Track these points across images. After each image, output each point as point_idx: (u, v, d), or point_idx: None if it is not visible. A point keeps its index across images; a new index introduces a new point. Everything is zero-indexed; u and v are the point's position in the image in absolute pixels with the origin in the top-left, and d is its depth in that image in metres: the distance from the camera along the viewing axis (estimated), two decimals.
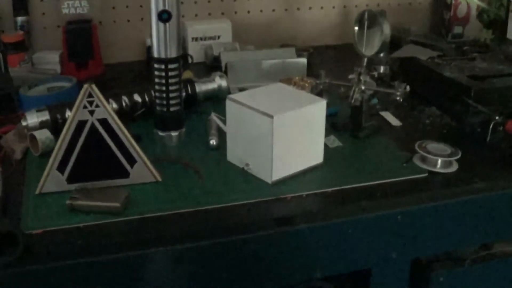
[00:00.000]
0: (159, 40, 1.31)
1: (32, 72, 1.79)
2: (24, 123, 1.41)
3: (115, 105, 1.50)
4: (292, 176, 1.25)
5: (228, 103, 1.26)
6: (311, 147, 1.27)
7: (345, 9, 2.26)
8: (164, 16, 1.29)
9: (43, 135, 1.34)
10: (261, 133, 1.20)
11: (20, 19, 1.89)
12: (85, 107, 1.18)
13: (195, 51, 2.02)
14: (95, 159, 1.20)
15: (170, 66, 1.34)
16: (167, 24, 1.30)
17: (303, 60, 1.79)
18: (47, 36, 1.97)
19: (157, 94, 1.37)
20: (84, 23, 1.87)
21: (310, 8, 2.22)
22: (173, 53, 1.33)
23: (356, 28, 1.44)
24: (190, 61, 1.93)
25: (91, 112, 1.18)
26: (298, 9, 2.21)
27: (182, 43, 1.99)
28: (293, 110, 1.21)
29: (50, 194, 1.19)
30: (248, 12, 2.15)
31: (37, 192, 1.19)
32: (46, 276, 1.05)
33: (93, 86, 1.18)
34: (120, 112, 1.48)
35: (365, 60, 1.45)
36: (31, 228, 1.09)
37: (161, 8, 1.28)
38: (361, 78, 1.43)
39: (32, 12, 1.94)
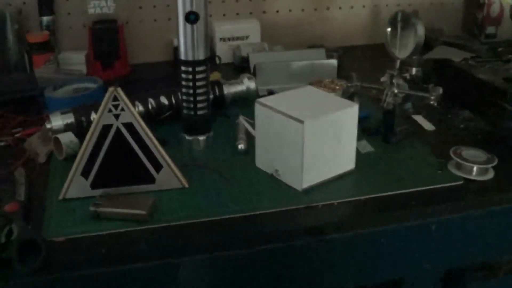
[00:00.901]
0: (186, 42, 1.28)
1: (58, 73, 1.76)
2: (48, 126, 1.39)
3: (141, 108, 1.46)
4: (323, 183, 1.21)
5: (257, 107, 1.22)
6: (342, 153, 1.23)
7: (375, 8, 2.21)
8: (191, 18, 1.25)
9: (67, 138, 1.31)
10: (291, 138, 1.15)
11: (45, 18, 1.87)
12: (110, 111, 1.15)
13: (223, 52, 1.99)
14: (120, 164, 1.17)
15: (198, 68, 1.30)
16: (195, 25, 1.26)
17: (333, 62, 1.75)
18: (72, 36, 1.94)
19: (184, 97, 1.33)
20: (110, 23, 1.84)
21: (340, 7, 2.17)
22: (200, 55, 1.29)
23: (389, 29, 1.40)
24: (218, 62, 1.89)
25: (116, 116, 1.15)
26: (328, 8, 2.16)
27: (210, 44, 1.99)
28: (324, 115, 1.16)
29: (73, 200, 1.16)
30: (277, 11, 2.11)
31: (60, 197, 1.17)
32: (69, 286, 1.01)
33: (119, 89, 1.15)
34: (146, 115, 1.45)
35: (398, 62, 1.40)
36: (53, 235, 1.06)
37: (188, 9, 1.25)
38: (394, 81, 1.39)
39: (57, 11, 1.91)
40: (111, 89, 1.14)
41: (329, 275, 1.15)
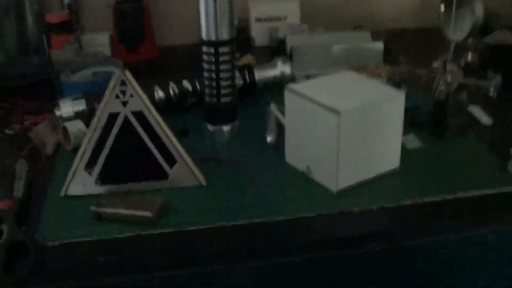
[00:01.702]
0: (208, 20, 1.13)
1: (78, 55, 1.62)
2: (57, 113, 1.25)
3: (161, 94, 1.32)
4: (361, 184, 1.05)
5: (287, 94, 1.07)
6: (385, 149, 1.06)
7: None
8: None
9: (75, 127, 1.18)
10: (326, 131, 1.00)
11: None
12: (117, 97, 1.00)
13: (259, 34, 1.82)
14: (128, 157, 1.03)
15: (221, 50, 1.15)
16: (217, 0, 1.11)
17: (379, 45, 1.58)
18: (97, 16, 1.80)
19: (206, 82, 1.19)
20: (135, 2, 1.70)
21: None
22: (224, 34, 1.14)
23: (442, 7, 1.22)
24: (252, 44, 1.73)
25: (124, 104, 1.01)
26: None
27: (245, 25, 1.84)
28: (364, 104, 1.00)
29: (76, 197, 1.03)
30: None
31: (61, 194, 1.03)
32: None
33: (127, 72, 1.00)
34: (168, 102, 1.31)
35: (453, 45, 1.23)
36: (49, 239, 0.93)
37: None
38: (447, 67, 1.21)
39: None
40: (118, 72, 1.00)
41: None
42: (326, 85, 1.08)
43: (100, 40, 1.74)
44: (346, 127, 0.98)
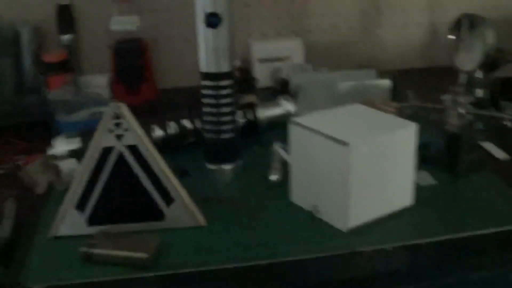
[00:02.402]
0: (207, 51, 1.07)
1: (76, 96, 1.57)
2: (51, 152, 1.19)
3: (160, 132, 1.25)
4: (373, 223, 0.97)
5: (292, 128, 1.01)
6: (398, 184, 0.99)
7: (432, 27, 1.97)
8: (212, 21, 1.04)
9: (68, 166, 1.11)
10: (334, 166, 0.93)
11: (65, 37, 1.68)
12: (111, 130, 0.94)
13: (262, 75, 1.76)
14: (122, 196, 0.96)
15: (222, 83, 1.09)
16: (217, 30, 1.05)
17: (386, 83, 1.52)
18: (96, 57, 1.75)
19: (206, 118, 1.12)
20: (135, 41, 1.65)
21: (392, 26, 1.94)
22: (224, 66, 1.08)
23: (452, 37, 1.16)
24: (254, 84, 1.67)
25: (119, 137, 0.94)
26: (379, 27, 1.93)
27: (246, 65, 1.78)
28: (375, 136, 0.94)
29: (66, 238, 0.96)
30: (322, 30, 1.89)
31: (50, 235, 0.96)
32: None
33: (122, 105, 0.94)
34: (166, 141, 1.25)
35: (463, 77, 1.17)
36: (33, 281, 0.86)
37: (208, 10, 1.04)
38: (459, 99, 1.15)
39: (80, 30, 1.73)
40: (112, 104, 0.94)
41: None
42: (333, 117, 1.02)
43: (98, 82, 1.68)
44: (356, 160, 0.91)
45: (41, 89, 1.60)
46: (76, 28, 1.72)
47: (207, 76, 1.09)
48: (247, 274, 0.87)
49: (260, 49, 1.78)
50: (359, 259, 0.90)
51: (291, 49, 1.79)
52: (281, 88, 1.67)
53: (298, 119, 1.00)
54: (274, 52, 1.78)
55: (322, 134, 0.94)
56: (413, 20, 1.95)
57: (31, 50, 1.65)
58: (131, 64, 1.65)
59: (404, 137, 0.97)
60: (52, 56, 1.59)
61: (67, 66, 1.61)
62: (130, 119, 0.94)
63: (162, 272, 0.87)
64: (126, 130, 0.94)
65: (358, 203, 0.94)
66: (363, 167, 0.93)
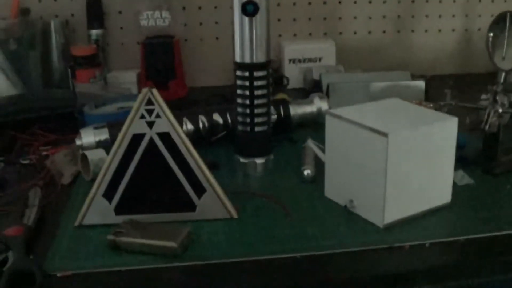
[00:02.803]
0: (243, 40, 1.05)
1: (103, 90, 1.55)
2: (78, 142, 1.17)
3: (190, 126, 1.23)
4: (410, 219, 0.93)
5: (328, 119, 0.97)
6: (436, 180, 0.95)
7: (466, 33, 1.93)
8: (249, 9, 1.02)
9: (96, 155, 1.09)
10: (371, 158, 0.89)
11: (94, 32, 1.67)
12: (142, 117, 0.91)
13: (293, 76, 1.73)
14: (152, 185, 0.93)
15: (256, 73, 1.06)
16: (253, 19, 1.02)
17: (421, 84, 1.48)
18: (125, 53, 1.74)
19: (239, 109, 1.09)
20: (165, 38, 1.63)
21: (426, 30, 1.91)
22: (260, 57, 1.05)
23: (491, 34, 1.13)
24: (285, 82, 1.64)
25: (150, 124, 0.91)
26: (413, 31, 1.90)
27: (277, 65, 1.75)
28: (415, 128, 0.90)
29: (92, 227, 0.93)
30: (355, 33, 1.87)
31: (76, 223, 0.93)
32: None
33: (154, 90, 0.91)
34: (197, 135, 1.22)
35: (503, 75, 1.13)
36: (57, 269, 0.82)
37: None
38: (498, 98, 1.11)
39: (109, 26, 1.72)
40: (144, 90, 0.91)
41: None
42: (371, 110, 0.98)
43: (127, 78, 1.67)
44: (395, 153, 0.87)
45: (69, 82, 1.58)
46: (105, 23, 1.70)
47: (241, 66, 1.06)
48: (280, 267, 0.83)
49: (292, 49, 1.75)
50: (396, 255, 0.86)
51: (323, 50, 1.76)
52: (312, 89, 1.63)
53: (335, 111, 0.97)
54: (306, 53, 1.75)
55: (359, 125, 0.91)
56: (446, 26, 1.92)
57: (60, 44, 1.64)
58: (161, 61, 1.63)
59: (445, 131, 0.93)
60: (81, 50, 1.58)
61: (96, 60, 1.60)
62: (162, 105, 0.91)
63: (191, 262, 0.84)
64: (158, 116, 0.91)
65: (395, 198, 0.90)
66: (401, 160, 0.89)
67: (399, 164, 0.89)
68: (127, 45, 1.74)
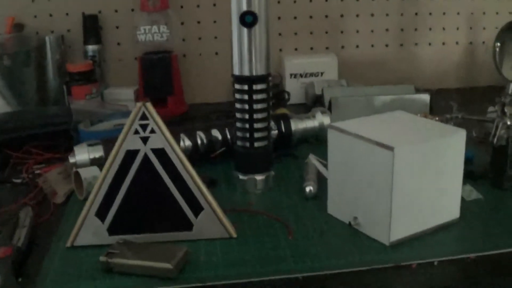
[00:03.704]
0: (241, 52, 1.01)
1: (100, 107, 1.51)
2: (72, 160, 1.13)
3: (188, 142, 1.19)
4: (417, 236, 0.89)
5: (330, 133, 0.93)
6: (444, 196, 0.91)
7: (470, 46, 1.89)
8: (247, 20, 0.98)
9: (90, 173, 1.05)
10: (377, 174, 0.85)
11: (91, 47, 1.64)
12: (136, 132, 0.87)
13: (294, 91, 1.70)
14: (146, 203, 0.89)
15: (256, 87, 1.02)
16: (252, 30, 0.99)
17: (425, 97, 1.44)
18: (122, 69, 1.70)
19: (238, 124, 1.05)
20: (163, 53, 1.60)
21: (429, 43, 1.87)
22: (260, 69, 1.01)
23: (498, 44, 1.08)
24: (286, 98, 1.60)
25: (144, 140, 0.87)
26: (416, 44, 1.86)
27: (278, 80, 1.72)
28: (422, 141, 0.86)
29: (85, 248, 0.89)
30: (357, 46, 1.83)
31: (68, 244, 0.89)
32: None
33: (149, 104, 0.87)
34: (195, 152, 1.18)
35: (510, 87, 1.09)
36: None
37: (244, 8, 0.97)
38: (506, 110, 1.07)
39: (105, 41, 1.68)
40: (138, 104, 0.87)
41: None
42: (376, 123, 0.94)
43: (124, 94, 1.63)
44: (401, 167, 0.83)
45: (64, 99, 1.55)
46: (102, 39, 1.67)
47: (240, 79, 1.02)
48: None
49: (293, 64, 1.72)
50: (403, 274, 0.81)
51: (325, 64, 1.73)
52: (314, 105, 1.60)
53: (338, 124, 0.93)
54: (307, 68, 1.72)
55: (364, 138, 0.87)
56: (450, 39, 1.88)
57: (56, 60, 1.61)
58: (158, 76, 1.60)
59: (454, 144, 0.89)
60: (76, 66, 1.55)
61: (92, 77, 1.57)
62: (157, 120, 0.88)
63: (187, 284, 0.79)
64: (153, 132, 0.87)
65: (402, 215, 0.86)
66: (408, 175, 0.85)
67: (406, 179, 0.84)
68: (125, 61, 1.70)
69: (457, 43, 1.89)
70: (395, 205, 0.85)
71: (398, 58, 1.87)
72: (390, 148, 0.82)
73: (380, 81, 1.76)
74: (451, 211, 0.93)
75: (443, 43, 1.88)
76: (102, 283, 0.80)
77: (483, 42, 1.89)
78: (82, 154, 1.13)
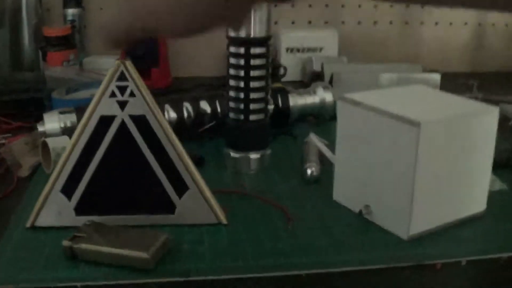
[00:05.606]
0: None
1: (78, 75, 1.38)
2: (40, 129, 0.99)
3: (173, 115, 1.06)
4: (441, 230, 0.76)
5: (341, 106, 0.80)
6: (471, 184, 0.78)
7: (479, 28, 1.76)
8: None
9: (60, 143, 0.91)
10: (397, 155, 0.72)
11: (70, 11, 1.50)
12: (113, 95, 0.73)
13: (290, 67, 1.55)
14: (121, 180, 0.76)
15: (254, 50, 0.88)
16: None
17: (436, 77, 1.31)
18: None
19: (231, 93, 0.92)
20: None
21: (436, 23, 1.74)
22: (259, 31, 0.88)
23: None
24: (282, 73, 1.46)
25: (122, 104, 0.74)
26: (422, 23, 1.73)
27: (274, 54, 1.58)
28: (451, 118, 0.73)
29: (47, 229, 0.75)
30: (359, 23, 1.70)
31: (28, 225, 0.75)
32: None
33: (129, 63, 0.74)
34: (180, 125, 1.05)
35: None
36: (2, 281, 0.65)
37: None
38: None
39: (87, 6, 1.54)
40: (117, 62, 0.74)
41: None
42: (394, 96, 0.81)
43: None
44: (427, 147, 0.70)
45: (39, 65, 1.41)
46: (83, 3, 1.53)
47: (236, 41, 0.88)
48: (280, 286, 0.66)
49: (290, 37, 1.58)
50: (425, 275, 0.68)
51: (325, 39, 1.59)
52: (312, 82, 1.46)
53: (350, 95, 0.79)
54: (305, 42, 1.58)
55: (383, 112, 0.73)
56: (458, 19, 1.75)
57: (32, 23, 1.46)
58: (142, 45, 1.45)
59: (485, 123, 0.76)
60: (54, 30, 1.41)
61: (70, 42, 1.43)
62: (138, 82, 0.74)
63: (167, 278, 0.66)
64: (133, 95, 0.74)
65: (425, 204, 0.73)
66: (434, 157, 0.72)
67: (432, 161, 0.71)
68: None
69: (465, 23, 1.76)
70: (418, 191, 0.71)
71: (402, 37, 1.74)
72: (415, 124, 0.69)
73: (382, 61, 1.63)
74: (477, 202, 0.80)
75: (450, 23, 1.75)
76: (64, 273, 0.66)
77: (493, 24, 1.76)
78: (52, 122, 1.00)
